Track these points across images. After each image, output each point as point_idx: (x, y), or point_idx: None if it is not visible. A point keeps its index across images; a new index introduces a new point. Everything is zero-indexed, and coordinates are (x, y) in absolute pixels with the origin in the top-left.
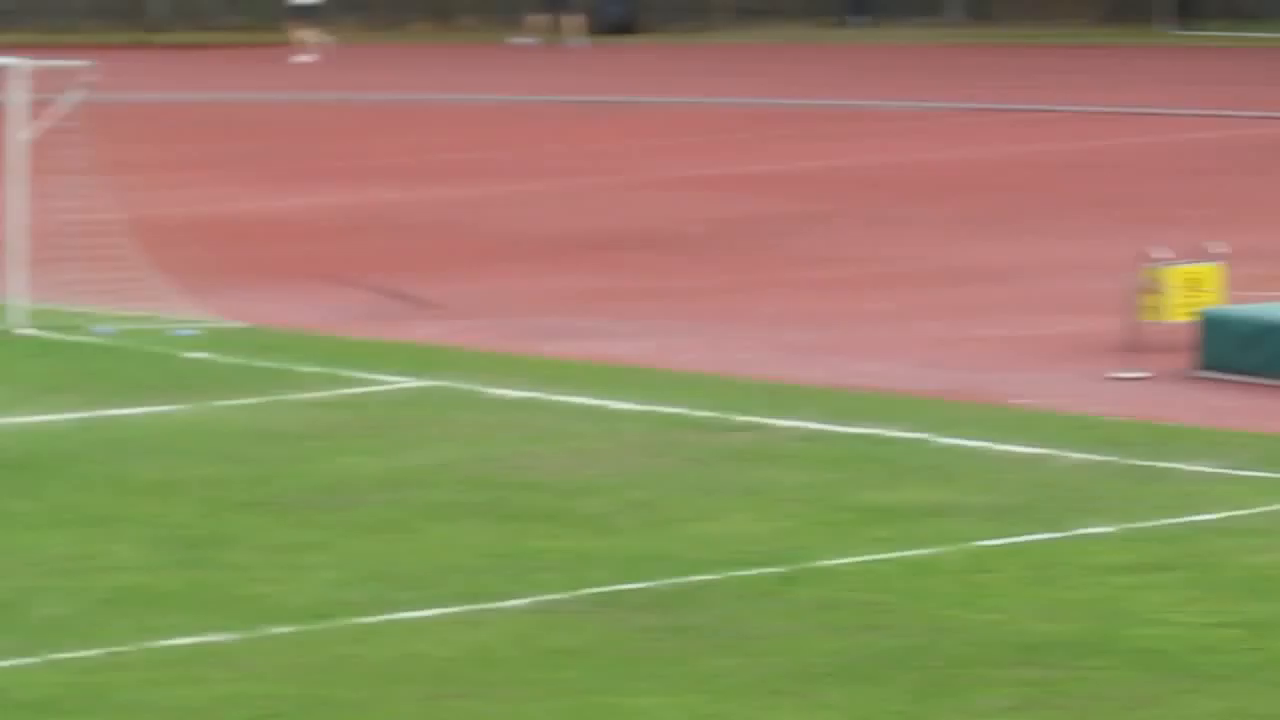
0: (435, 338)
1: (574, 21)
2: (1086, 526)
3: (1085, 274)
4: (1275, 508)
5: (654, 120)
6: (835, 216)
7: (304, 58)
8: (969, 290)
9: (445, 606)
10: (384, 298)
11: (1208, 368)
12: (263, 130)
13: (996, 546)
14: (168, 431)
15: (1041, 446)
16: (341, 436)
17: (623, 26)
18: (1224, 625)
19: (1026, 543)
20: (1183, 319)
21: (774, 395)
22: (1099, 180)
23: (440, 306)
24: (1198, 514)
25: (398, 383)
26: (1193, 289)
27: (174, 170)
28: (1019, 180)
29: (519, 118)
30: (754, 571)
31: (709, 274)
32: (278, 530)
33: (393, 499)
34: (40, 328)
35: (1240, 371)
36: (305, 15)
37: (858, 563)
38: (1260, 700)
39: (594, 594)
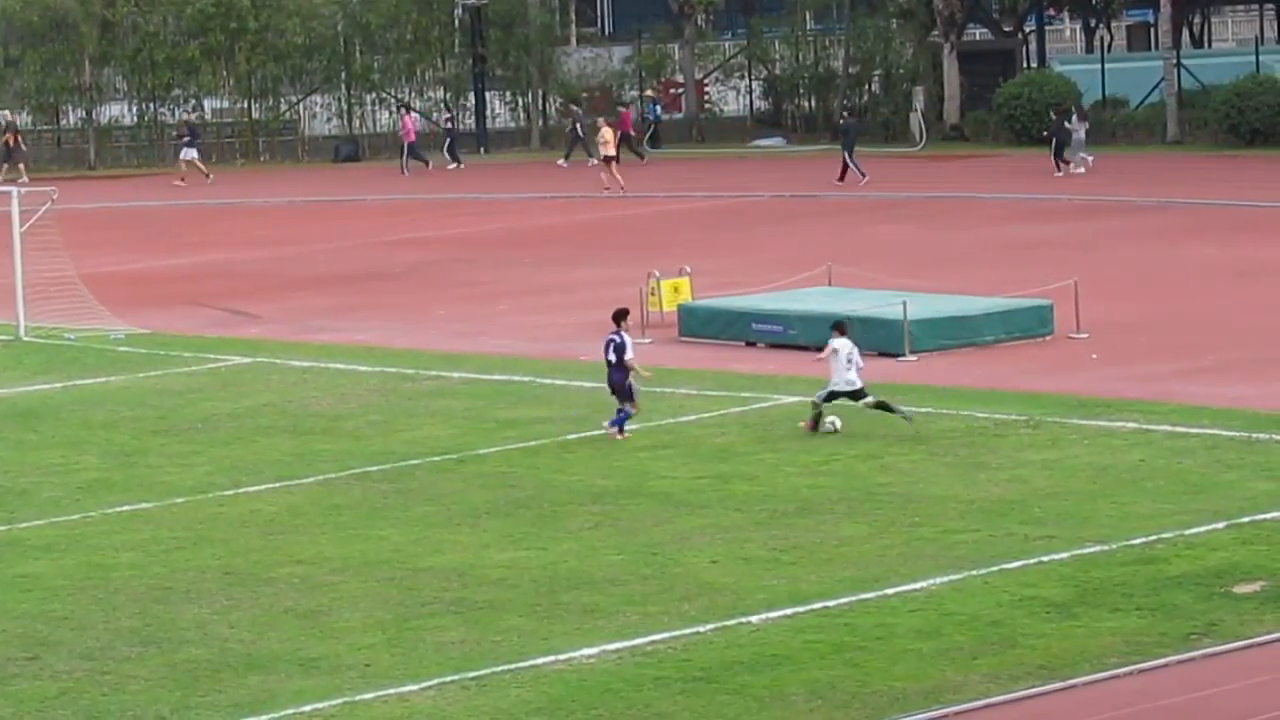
0: (257, 335)
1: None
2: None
3: (618, 285)
4: (726, 411)
5: (370, 209)
6: (474, 259)
7: (179, 183)
8: (552, 297)
9: (270, 483)
10: (227, 313)
11: (685, 336)
12: (150, 223)
13: (575, 439)
14: (109, 392)
15: (597, 382)
16: (207, 391)
17: (352, 157)
18: (702, 477)
19: (591, 436)
20: (671, 308)
21: (447, 360)
22: (620, 233)
23: (259, 317)
24: (686, 416)
25: (237, 360)
26: (675, 291)
27: (102, 246)
28: (573, 236)
29: (291, 211)
30: (441, 457)
31: (407, 293)
32: (174, 444)
33: (237, 425)
34: (36, 337)
35: (704, 338)
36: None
37: (498, 450)
38: (724, 517)
39: (353, 473)
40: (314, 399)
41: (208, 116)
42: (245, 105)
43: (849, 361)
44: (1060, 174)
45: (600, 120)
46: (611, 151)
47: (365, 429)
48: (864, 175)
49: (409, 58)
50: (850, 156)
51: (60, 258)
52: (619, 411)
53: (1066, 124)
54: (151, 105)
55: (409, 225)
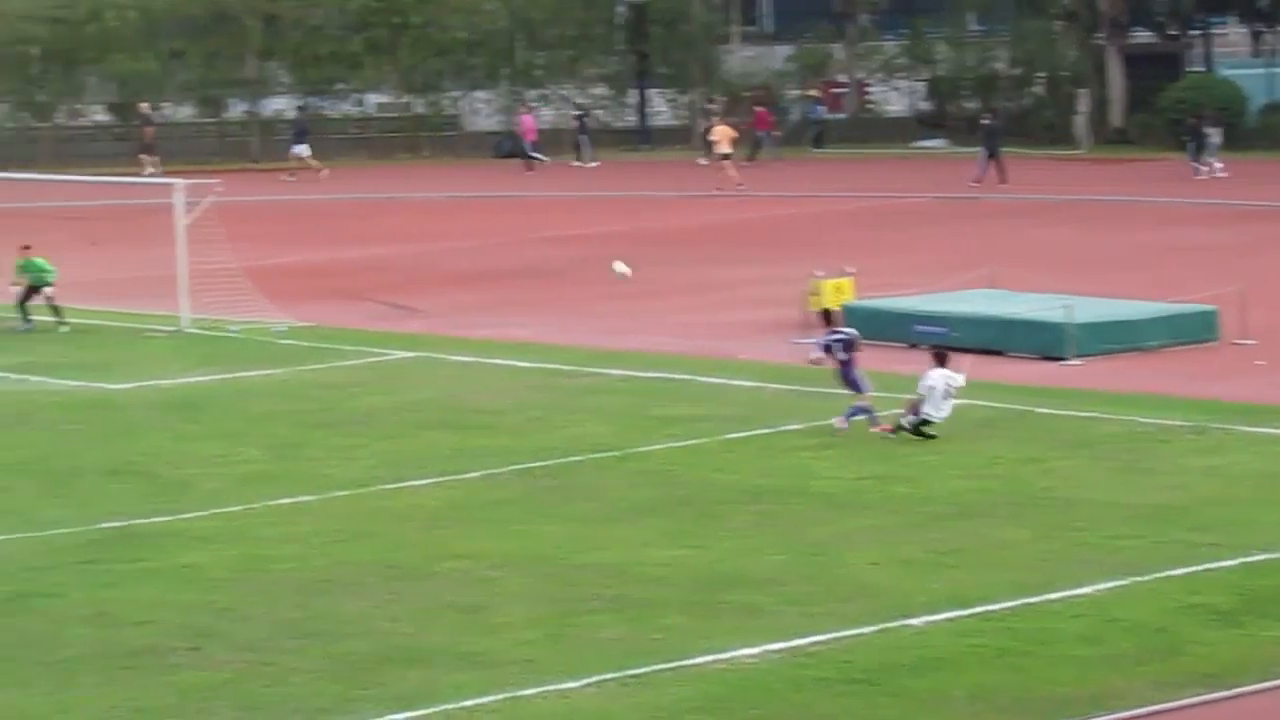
0: (418, 329)
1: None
2: (785, 425)
3: (777, 284)
4: (887, 412)
5: (530, 204)
6: (634, 256)
7: (287, 179)
8: (711, 295)
9: (431, 478)
10: (387, 307)
11: None
12: (312, 216)
13: (735, 438)
14: (271, 385)
15: (757, 381)
16: (368, 385)
17: (511, 154)
18: (864, 478)
19: (752, 435)
20: (833, 309)
21: (606, 356)
22: (781, 232)
23: (420, 311)
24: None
25: (398, 355)
26: (837, 291)
27: (264, 239)
28: (733, 234)
29: (450, 206)
30: (601, 454)
31: (565, 290)
32: (335, 438)
33: (398, 419)
34: (198, 329)
35: (865, 339)
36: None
37: (658, 448)
38: (885, 518)
39: (514, 469)
40: (475, 394)
41: (371, 111)
42: (407, 100)
43: (946, 393)
44: (1201, 176)
45: (714, 119)
46: (726, 150)
47: (526, 425)
48: (980, 182)
49: (571, 54)
50: (989, 157)
51: (223, 250)
52: (853, 409)
53: (1203, 129)
54: (314, 99)
55: (568, 221)
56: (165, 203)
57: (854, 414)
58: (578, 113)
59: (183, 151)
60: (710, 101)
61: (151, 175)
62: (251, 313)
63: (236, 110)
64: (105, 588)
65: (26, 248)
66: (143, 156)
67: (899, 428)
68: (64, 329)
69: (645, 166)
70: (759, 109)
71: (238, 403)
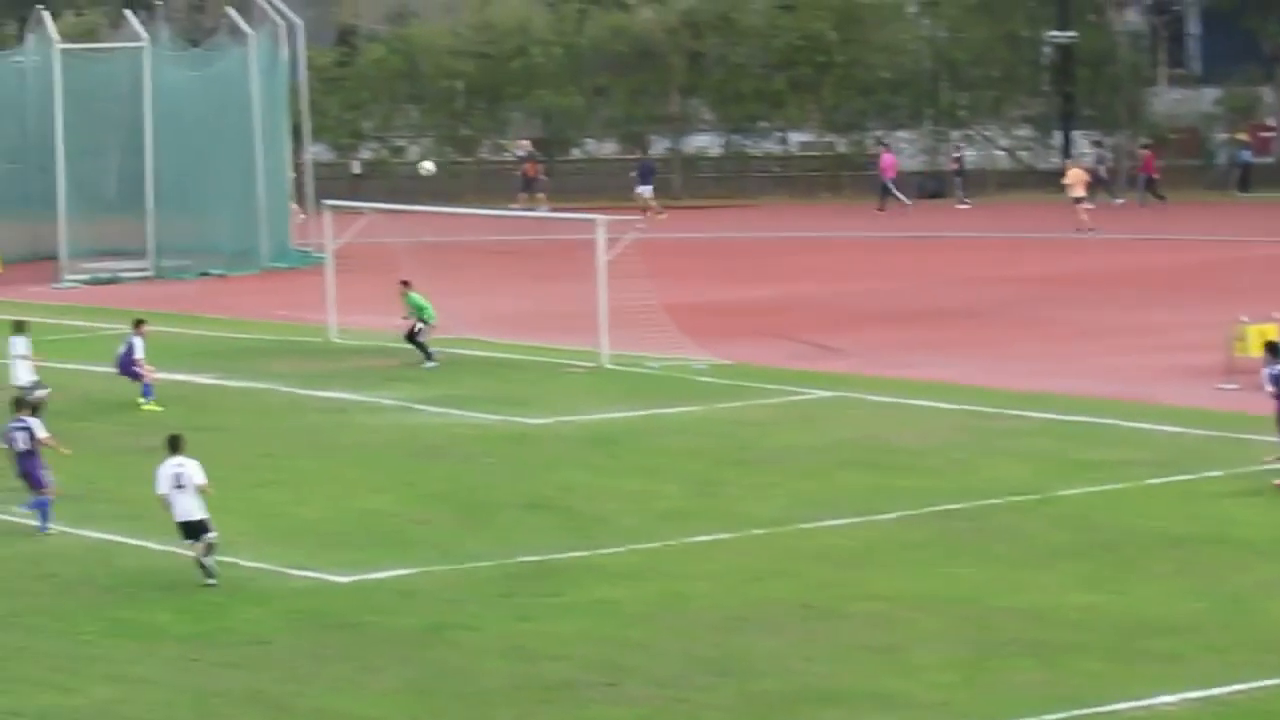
0: (838, 368)
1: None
2: (1207, 471)
3: (1202, 329)
4: None
5: (947, 244)
6: (1053, 297)
7: (661, 216)
8: (1134, 339)
9: (847, 518)
10: (808, 346)
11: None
12: (733, 254)
13: (1155, 484)
14: (689, 421)
15: (1179, 427)
16: (786, 423)
17: (936, 194)
18: None
19: (1172, 481)
20: (1259, 354)
21: (1028, 399)
22: (1203, 276)
23: (840, 350)
24: (1272, 464)
25: (817, 394)
26: (1263, 338)
27: (685, 276)
28: (1153, 277)
29: (871, 246)
30: (1020, 498)
31: (985, 331)
32: (752, 476)
33: (819, 459)
34: (617, 364)
35: None
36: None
37: (1078, 493)
38: None
39: (932, 510)
40: (893, 434)
41: (793, 149)
42: (830, 139)
43: None
44: None
45: (1068, 161)
46: (1080, 193)
47: (945, 466)
48: None
49: (995, 95)
50: None
51: (643, 286)
52: None
53: None
54: (737, 136)
55: (985, 261)
56: (586, 239)
57: None
58: (956, 154)
59: (605, 188)
60: (1097, 144)
61: (533, 211)
62: (671, 349)
63: (659, 147)
64: (522, 621)
65: (405, 283)
66: (525, 195)
67: None
68: (430, 365)
69: (1061, 208)
70: (1145, 152)
71: (656, 439)
